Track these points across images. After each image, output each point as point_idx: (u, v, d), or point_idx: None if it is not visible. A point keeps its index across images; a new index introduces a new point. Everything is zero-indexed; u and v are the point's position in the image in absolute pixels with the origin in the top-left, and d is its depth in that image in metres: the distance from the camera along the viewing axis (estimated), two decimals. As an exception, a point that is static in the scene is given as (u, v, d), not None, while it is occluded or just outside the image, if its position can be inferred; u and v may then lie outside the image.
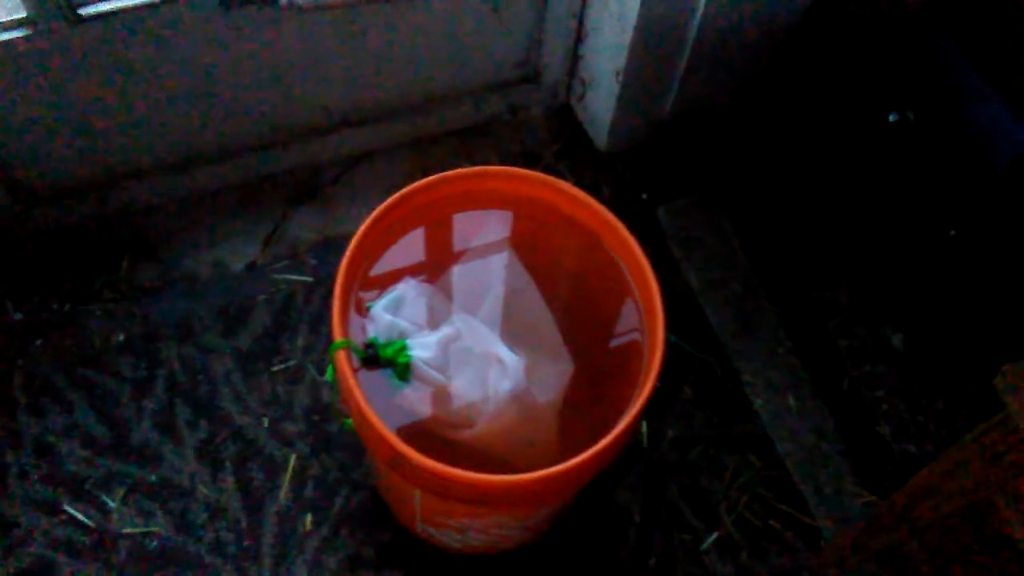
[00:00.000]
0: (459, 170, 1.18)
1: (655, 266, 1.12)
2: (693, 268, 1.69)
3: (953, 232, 1.38)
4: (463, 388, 1.09)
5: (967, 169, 1.33)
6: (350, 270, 1.10)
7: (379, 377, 1.09)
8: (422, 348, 1.09)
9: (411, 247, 1.21)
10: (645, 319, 1.13)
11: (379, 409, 1.01)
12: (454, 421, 1.09)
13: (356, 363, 1.08)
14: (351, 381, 1.02)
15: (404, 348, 1.09)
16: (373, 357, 1.08)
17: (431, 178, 1.16)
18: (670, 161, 1.80)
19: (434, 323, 1.13)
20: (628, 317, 1.17)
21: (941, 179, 1.39)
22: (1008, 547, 0.98)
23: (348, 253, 1.10)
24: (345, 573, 1.37)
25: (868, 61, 1.48)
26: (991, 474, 0.97)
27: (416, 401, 1.09)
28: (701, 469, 1.49)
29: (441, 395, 1.10)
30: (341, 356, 1.04)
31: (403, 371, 1.08)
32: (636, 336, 1.15)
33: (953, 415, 1.54)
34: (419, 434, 1.08)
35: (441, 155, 1.78)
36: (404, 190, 1.15)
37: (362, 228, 1.11)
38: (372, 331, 1.11)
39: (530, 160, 1.79)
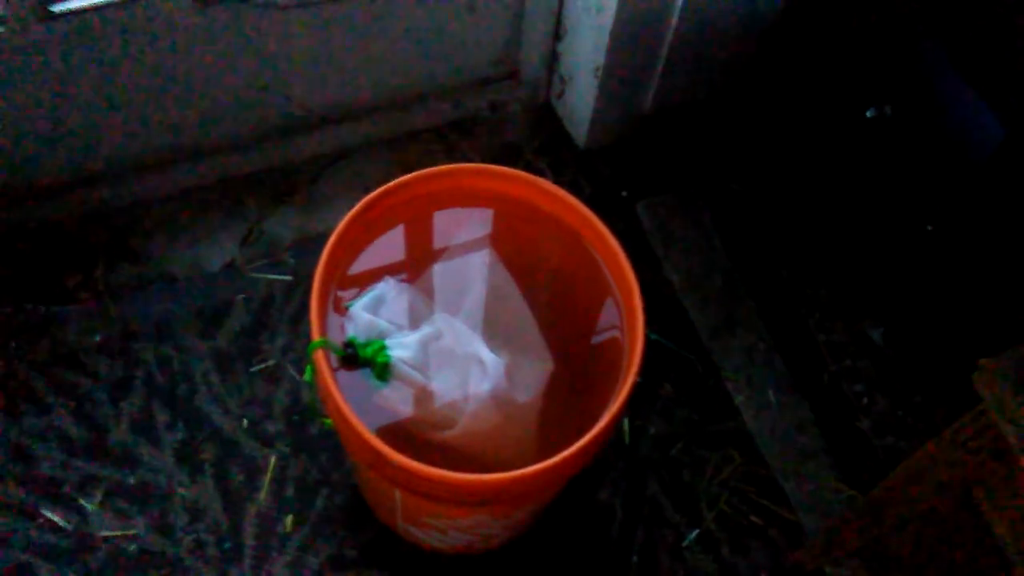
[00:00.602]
0: (439, 168, 1.17)
1: (635, 263, 1.12)
2: (673, 265, 1.69)
3: (931, 227, 1.39)
4: (443, 388, 1.08)
5: (945, 164, 1.34)
6: (328, 269, 1.09)
7: (358, 377, 1.09)
8: (402, 348, 1.08)
9: (391, 245, 1.20)
10: (625, 316, 1.13)
11: (358, 409, 1.00)
12: (434, 421, 1.09)
13: (335, 363, 1.07)
14: (329, 381, 1.01)
15: (383, 348, 1.08)
16: (352, 357, 1.07)
17: (410, 176, 1.16)
18: (650, 157, 1.80)
19: (414, 322, 1.12)
20: (608, 314, 1.17)
21: (919, 174, 1.40)
22: (987, 538, 0.99)
23: (326, 251, 1.09)
24: (327, 573, 1.36)
25: (846, 56, 1.48)
26: (969, 467, 0.98)
27: (396, 401, 1.09)
28: (682, 465, 1.50)
29: (421, 395, 1.09)
30: (319, 356, 1.03)
31: (382, 371, 1.08)
32: (616, 334, 1.15)
33: (932, 409, 1.55)
34: (399, 434, 1.07)
35: (421, 152, 1.77)
36: (383, 188, 1.14)
37: (340, 226, 1.10)
38: (351, 330, 1.10)
39: (510, 157, 1.79)
